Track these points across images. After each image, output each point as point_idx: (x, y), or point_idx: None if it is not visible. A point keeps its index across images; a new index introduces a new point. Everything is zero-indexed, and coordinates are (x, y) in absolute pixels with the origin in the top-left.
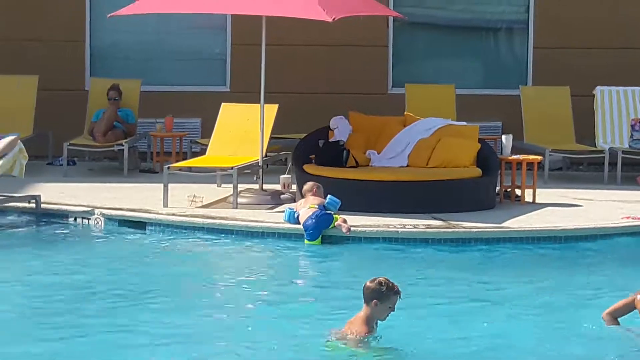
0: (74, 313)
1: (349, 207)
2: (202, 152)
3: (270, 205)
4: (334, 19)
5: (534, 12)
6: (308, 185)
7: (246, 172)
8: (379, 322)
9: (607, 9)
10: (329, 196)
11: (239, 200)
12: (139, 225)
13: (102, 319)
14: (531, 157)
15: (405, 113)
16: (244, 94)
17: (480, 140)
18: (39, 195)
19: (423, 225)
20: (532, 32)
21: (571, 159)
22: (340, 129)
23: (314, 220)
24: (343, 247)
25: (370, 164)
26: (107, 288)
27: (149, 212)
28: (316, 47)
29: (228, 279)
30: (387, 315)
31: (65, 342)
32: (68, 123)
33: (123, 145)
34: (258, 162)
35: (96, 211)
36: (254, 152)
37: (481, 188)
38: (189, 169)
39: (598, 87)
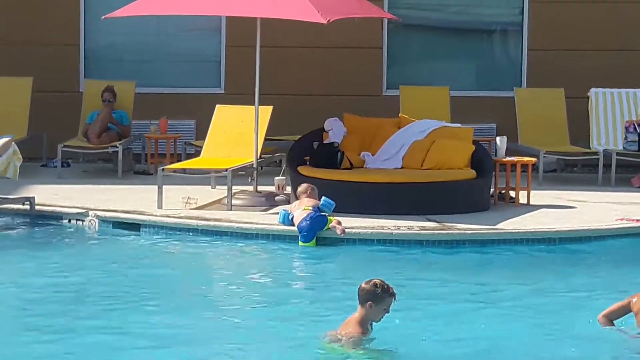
0: (68, 315)
1: (343, 208)
2: (197, 153)
3: (264, 207)
4: (328, 21)
5: (528, 14)
6: (302, 187)
7: (240, 174)
8: (373, 323)
9: (601, 11)
10: (323, 198)
11: (234, 202)
12: (133, 227)
13: (96, 321)
14: (525, 158)
15: (399, 115)
16: (239, 95)
17: (474, 142)
18: (33, 197)
19: (417, 226)
20: (527, 34)
21: (565, 161)
22: (335, 130)
23: (308, 222)
24: (337, 248)
25: (364, 166)
26: (101, 290)
27: (143, 214)
28: (311, 49)
29: (222, 280)
30: (382, 317)
31: (59, 344)
32: (62, 125)
33: (117, 147)
34: (252, 164)
35: (90, 213)
36: (248, 153)
37: (475, 190)
38: (184, 170)
39: (592, 89)
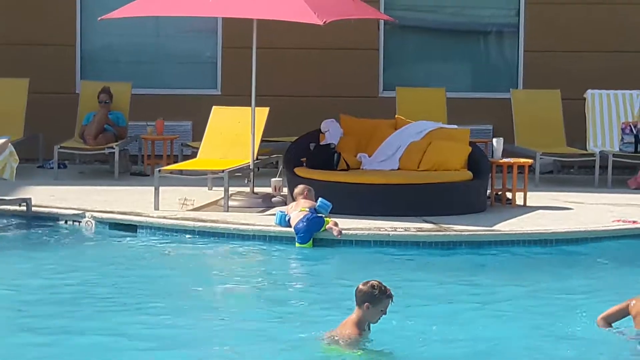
0: (64, 316)
1: (340, 210)
2: (193, 155)
3: (261, 208)
4: (325, 22)
5: (524, 16)
6: (299, 188)
7: (237, 175)
8: (370, 324)
9: (598, 13)
10: (320, 199)
11: (230, 203)
12: (130, 228)
13: (92, 322)
14: (522, 160)
15: (396, 116)
16: (235, 97)
17: (471, 144)
18: (30, 198)
19: (414, 228)
20: (523, 36)
21: (562, 162)
22: (331, 132)
23: (305, 223)
24: (334, 250)
25: (361, 167)
26: (97, 291)
27: (140, 215)
28: (307, 51)
29: (219, 282)
30: (379, 318)
31: (55, 346)
32: (59, 126)
33: (114, 148)
34: (249, 165)
35: (87, 214)
36: (245, 155)
37: (472, 191)
38: (180, 172)
39: (589, 91)
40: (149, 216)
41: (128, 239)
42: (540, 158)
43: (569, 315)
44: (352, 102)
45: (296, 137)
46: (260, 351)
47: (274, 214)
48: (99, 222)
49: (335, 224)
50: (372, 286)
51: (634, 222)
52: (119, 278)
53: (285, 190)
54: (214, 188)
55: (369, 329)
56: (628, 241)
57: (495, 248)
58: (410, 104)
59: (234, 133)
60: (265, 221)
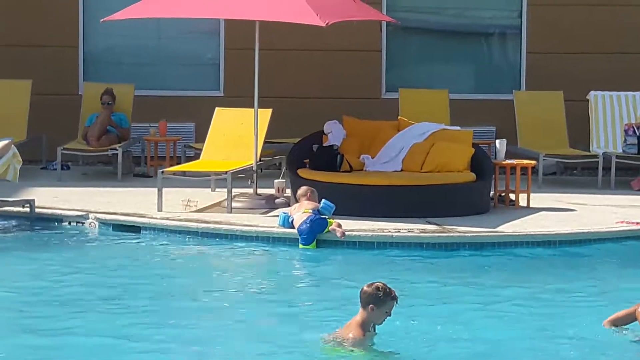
0: (67, 317)
1: (343, 211)
2: (196, 156)
3: (264, 210)
4: (327, 23)
5: (527, 17)
6: (302, 189)
7: (240, 177)
8: (375, 326)
9: (600, 14)
10: (323, 200)
11: (233, 204)
12: (133, 229)
13: (95, 323)
14: (525, 161)
15: (398, 118)
16: (238, 98)
17: (474, 145)
18: (33, 200)
19: (417, 229)
20: (526, 37)
21: (565, 164)
22: (334, 133)
23: (308, 225)
24: (337, 251)
25: (364, 169)
26: (101, 292)
27: (143, 217)
28: (310, 52)
29: (222, 283)
30: (384, 320)
31: (58, 347)
32: (62, 127)
33: (117, 150)
34: (252, 167)
35: (90, 215)
36: (248, 156)
37: (475, 192)
38: (183, 173)
39: (592, 92)
40: (152, 217)
41: (131, 240)
42: (544, 159)
43: (573, 317)
44: (355, 104)
45: (299, 139)
46: (264, 352)
47: (277, 216)
48: (102, 223)
49: (339, 225)
50: (377, 288)
51: (638, 223)
52: (122, 279)
53: (288, 191)
54: (217, 189)
55: (374, 330)
56: (631, 242)
57: (499, 249)
58: (413, 105)
59: (236, 134)
60: (269, 222)
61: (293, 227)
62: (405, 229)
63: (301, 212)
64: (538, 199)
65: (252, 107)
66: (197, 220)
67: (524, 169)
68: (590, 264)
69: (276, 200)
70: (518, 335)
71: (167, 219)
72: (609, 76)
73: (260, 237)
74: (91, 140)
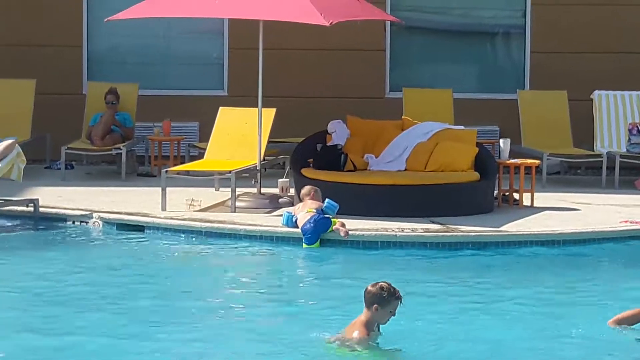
0: (71, 317)
1: (347, 211)
2: (200, 156)
3: (268, 209)
4: (331, 23)
5: (530, 17)
6: (306, 189)
7: (244, 176)
8: (380, 325)
9: (604, 14)
10: (327, 200)
11: (237, 204)
12: (137, 228)
13: (99, 323)
14: (529, 161)
15: (402, 117)
16: (242, 98)
17: (478, 144)
18: (37, 199)
19: (421, 229)
20: (529, 37)
21: (569, 163)
22: (338, 133)
23: (312, 224)
24: (341, 250)
25: (368, 168)
26: (104, 291)
27: (147, 216)
28: (314, 52)
29: (226, 282)
30: (388, 320)
31: (62, 347)
32: (66, 127)
33: (121, 149)
34: (256, 166)
35: (94, 215)
36: (251, 156)
37: (479, 192)
38: (187, 172)
39: (596, 92)
40: (156, 217)
41: (135, 239)
42: (548, 159)
43: (577, 317)
44: (359, 103)
45: (303, 138)
46: (268, 351)
47: (281, 215)
48: (106, 222)
49: (343, 225)
50: (381, 288)
51: None
52: (126, 278)
53: (292, 191)
54: (221, 189)
55: (379, 330)
56: (636, 242)
57: (503, 249)
58: (416, 105)
59: (240, 134)
60: (273, 222)
61: (297, 227)
62: (409, 229)
63: (305, 211)
64: (542, 199)
65: (256, 106)
66: (200, 220)
67: (527, 168)
68: (594, 264)
69: (280, 200)
70: (521, 334)
71: (171, 218)
72: (613, 76)
73: (264, 236)
74: (95, 140)
